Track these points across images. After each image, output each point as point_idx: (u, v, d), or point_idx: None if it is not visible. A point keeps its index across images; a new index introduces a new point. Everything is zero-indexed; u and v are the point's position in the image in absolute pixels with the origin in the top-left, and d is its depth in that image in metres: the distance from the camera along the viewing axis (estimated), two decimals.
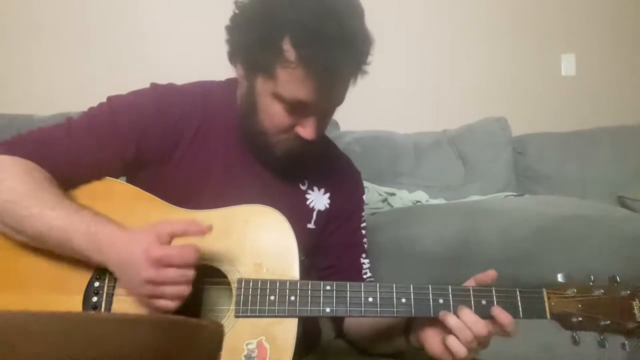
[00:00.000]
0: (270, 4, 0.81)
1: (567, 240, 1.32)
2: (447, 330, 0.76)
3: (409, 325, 0.85)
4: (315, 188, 1.00)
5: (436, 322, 0.78)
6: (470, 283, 0.81)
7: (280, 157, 0.89)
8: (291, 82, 0.80)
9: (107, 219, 0.79)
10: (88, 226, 0.76)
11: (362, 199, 1.08)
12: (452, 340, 0.75)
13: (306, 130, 0.85)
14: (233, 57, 0.88)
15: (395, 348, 0.93)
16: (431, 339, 0.80)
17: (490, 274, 0.80)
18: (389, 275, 1.30)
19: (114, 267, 0.76)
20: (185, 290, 0.73)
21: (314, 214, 0.98)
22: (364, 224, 1.05)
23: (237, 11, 0.85)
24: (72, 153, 0.85)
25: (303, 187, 0.99)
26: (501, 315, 0.76)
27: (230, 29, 0.87)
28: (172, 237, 0.75)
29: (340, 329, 1.02)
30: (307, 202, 0.98)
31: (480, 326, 0.75)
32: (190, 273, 0.73)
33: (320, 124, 0.86)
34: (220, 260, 0.81)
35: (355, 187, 1.07)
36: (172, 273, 0.72)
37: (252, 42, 0.82)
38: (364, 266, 1.02)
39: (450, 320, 0.75)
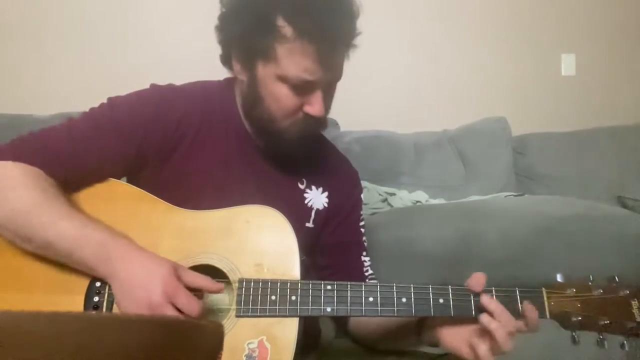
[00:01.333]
0: None
1: (567, 240, 1.32)
2: (461, 325, 0.76)
3: (422, 323, 0.85)
4: (314, 187, 1.00)
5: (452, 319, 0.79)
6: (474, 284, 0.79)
7: (292, 141, 0.89)
8: (292, 58, 0.82)
9: (118, 232, 0.79)
10: (101, 236, 0.76)
11: (360, 197, 1.08)
12: (481, 345, 0.75)
13: (314, 107, 0.86)
14: (227, 55, 0.90)
15: (406, 345, 0.93)
16: (451, 336, 0.80)
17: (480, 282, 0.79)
18: (389, 275, 1.30)
19: (120, 280, 0.75)
20: None
21: (313, 212, 0.99)
22: (362, 222, 1.06)
23: (224, 9, 0.88)
24: (75, 156, 0.84)
25: (301, 186, 0.99)
26: (529, 309, 0.76)
27: (220, 27, 0.89)
28: (188, 285, 0.76)
29: (345, 327, 1.02)
30: (306, 201, 0.99)
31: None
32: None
33: (325, 98, 0.87)
34: (221, 260, 0.81)
35: (353, 186, 1.07)
36: (169, 311, 0.73)
37: (246, 29, 0.84)
38: (365, 264, 1.02)
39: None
